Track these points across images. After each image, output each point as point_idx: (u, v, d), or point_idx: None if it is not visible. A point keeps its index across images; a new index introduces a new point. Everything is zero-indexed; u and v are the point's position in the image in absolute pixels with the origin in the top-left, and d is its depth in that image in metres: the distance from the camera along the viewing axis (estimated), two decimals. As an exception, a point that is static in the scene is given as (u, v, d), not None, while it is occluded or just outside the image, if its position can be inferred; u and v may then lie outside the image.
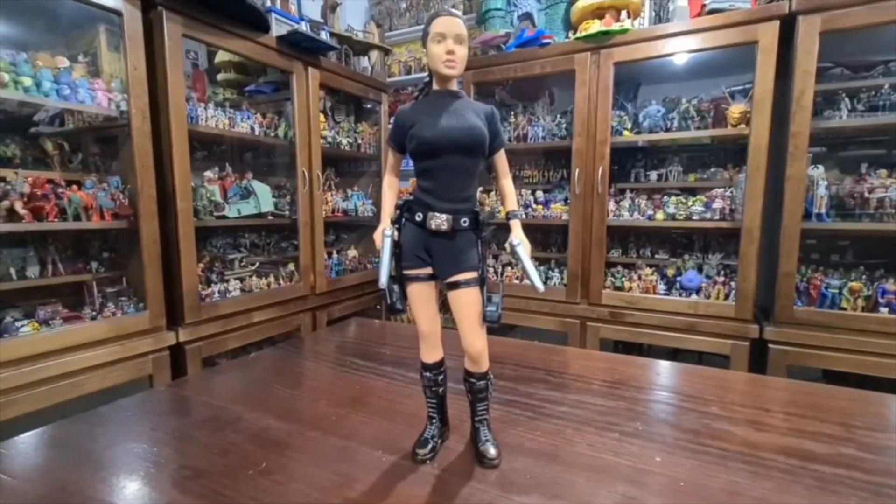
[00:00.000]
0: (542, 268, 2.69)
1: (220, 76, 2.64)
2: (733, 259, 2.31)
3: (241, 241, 2.50)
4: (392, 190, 1.08)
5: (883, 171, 2.04)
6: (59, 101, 1.68)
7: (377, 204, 2.95)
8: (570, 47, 2.36)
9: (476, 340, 0.96)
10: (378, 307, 3.05)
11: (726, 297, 2.25)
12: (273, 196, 2.48)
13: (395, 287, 1.02)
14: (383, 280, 0.94)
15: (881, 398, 1.22)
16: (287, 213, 2.50)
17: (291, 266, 2.53)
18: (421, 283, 1.00)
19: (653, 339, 2.34)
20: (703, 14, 2.17)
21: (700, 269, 2.37)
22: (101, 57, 1.89)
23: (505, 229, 1.05)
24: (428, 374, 1.03)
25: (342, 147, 2.76)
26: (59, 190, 1.68)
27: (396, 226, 1.02)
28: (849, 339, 1.99)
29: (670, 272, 2.39)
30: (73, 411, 1.23)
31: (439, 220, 0.96)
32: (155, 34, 1.83)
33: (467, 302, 0.96)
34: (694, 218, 2.29)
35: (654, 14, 2.32)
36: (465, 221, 0.98)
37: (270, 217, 2.44)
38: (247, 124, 2.36)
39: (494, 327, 0.97)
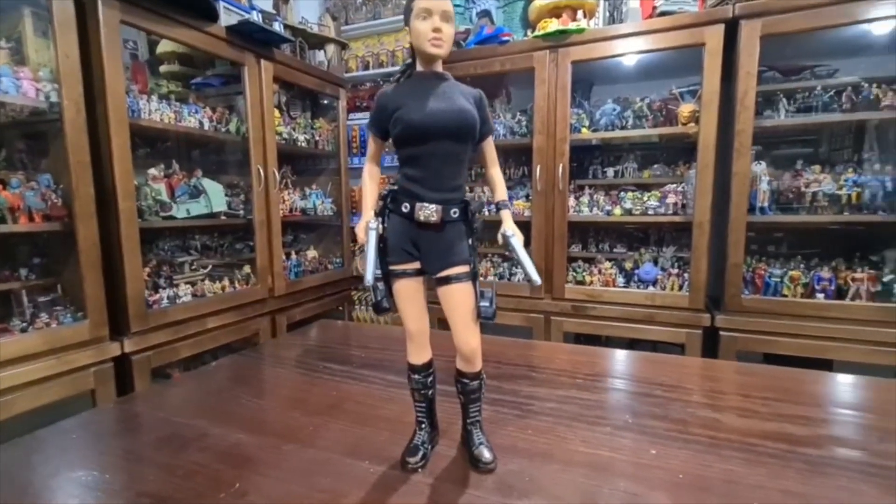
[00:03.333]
0: (505, 264, 2.67)
1: (162, 68, 2.43)
2: (685, 251, 2.38)
3: (191, 243, 2.32)
4: (373, 180, 1.01)
5: (816, 167, 2.16)
6: (-24, 91, 1.47)
7: (337, 203, 2.83)
8: (529, 45, 2.35)
9: (470, 338, 0.90)
10: (341, 308, 2.93)
11: (680, 287, 2.31)
12: (226, 195, 2.32)
13: (380, 284, 0.94)
14: (369, 277, 0.86)
15: (846, 379, 1.26)
16: (241, 212, 2.34)
17: (247, 268, 2.38)
18: (408, 278, 0.93)
19: (613, 331, 2.37)
20: (654, 16, 2.22)
21: (656, 262, 2.42)
22: (26, 43, 1.68)
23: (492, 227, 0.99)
24: (416, 376, 0.96)
25: (299, 144, 2.62)
26: (-20, 189, 1.48)
27: (380, 218, 0.95)
28: (790, 324, 2.09)
29: (628, 265, 2.43)
30: (5, 436, 1.07)
31: (428, 211, 0.89)
32: (89, 19, 1.65)
33: (460, 298, 0.90)
34: (649, 213, 2.34)
35: (608, 15, 2.34)
36: (454, 212, 0.91)
37: (223, 217, 2.28)
38: (194, 118, 2.19)
39: (490, 323, 0.92)
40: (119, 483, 0.89)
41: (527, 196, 2.56)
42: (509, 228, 0.94)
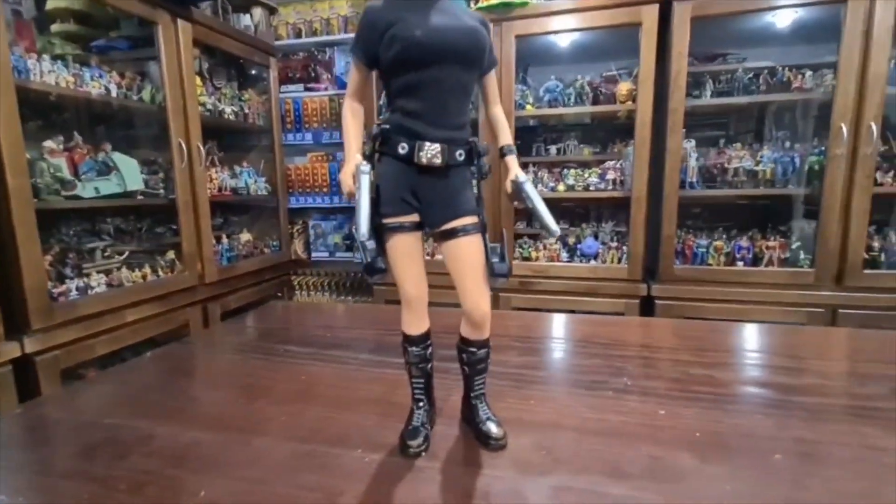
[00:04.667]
0: (452, 243, 2.58)
1: (54, 27, 2.05)
2: (623, 226, 2.44)
3: (102, 226, 1.99)
4: (356, 118, 0.83)
5: (738, 145, 2.30)
6: None
7: (272, 182, 2.58)
8: (474, 18, 2.25)
9: (481, 301, 0.78)
10: (280, 295, 2.69)
11: (619, 260, 2.37)
12: (142, 172, 2.02)
13: (371, 243, 0.79)
14: (364, 230, 0.72)
15: (795, 330, 1.31)
16: (162, 192, 2.05)
17: (172, 254, 2.09)
18: (406, 233, 0.79)
19: (559, 305, 2.38)
20: (595, -7, 2.21)
21: (596, 237, 2.47)
22: None
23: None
24: (414, 348, 0.83)
25: (226, 116, 2.34)
26: None
27: (370, 164, 0.79)
28: (716, 290, 2.22)
29: (571, 240, 2.46)
30: None
31: (432, 152, 0.76)
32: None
33: (470, 253, 0.78)
34: (590, 189, 2.37)
35: (550, -10, 2.31)
36: (460, 154, 0.79)
37: (140, 197, 1.98)
38: (99, 83, 1.86)
39: (500, 283, 0.80)
40: (41, 506, 0.70)
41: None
42: (521, 175, 0.82)
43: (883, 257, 2.10)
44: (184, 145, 2.03)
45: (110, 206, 1.95)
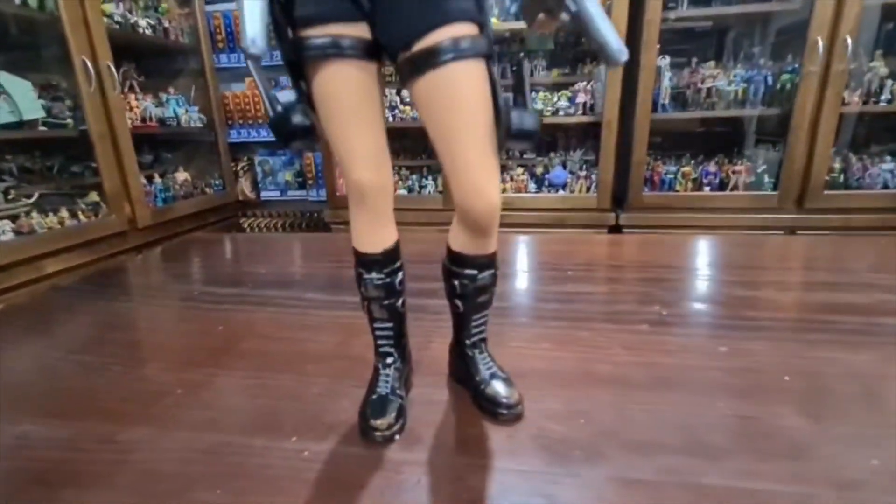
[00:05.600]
0: (414, 176, 2.34)
1: None
2: (591, 154, 2.28)
3: (2, 165, 1.64)
4: None
5: (711, 63, 2.11)
6: None
7: (206, 112, 2.20)
8: None
9: (488, 182, 0.46)
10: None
11: (588, 189, 2.23)
12: (42, 98, 1.64)
13: (274, 95, 0.45)
14: (253, 34, 0.39)
15: (820, 241, 1.06)
16: (70, 121, 1.69)
17: (94, 196, 1.77)
18: (345, 62, 0.44)
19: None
20: None
21: (564, 165, 2.29)
22: None
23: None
24: (374, 275, 0.51)
25: (140, 30, 1.92)
26: None
27: None
28: (681, 217, 2.12)
29: (539, 171, 2.28)
30: None
31: None
32: None
33: (467, 94, 0.45)
34: (560, 114, 2.17)
35: None
36: None
37: (43, 128, 1.62)
38: (-35, -18, 1.44)
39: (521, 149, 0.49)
40: None
41: (434, 98, 2.21)
42: None
43: (842, 178, 2.04)
44: (89, 64, 1.65)
45: (5, 140, 1.59)
